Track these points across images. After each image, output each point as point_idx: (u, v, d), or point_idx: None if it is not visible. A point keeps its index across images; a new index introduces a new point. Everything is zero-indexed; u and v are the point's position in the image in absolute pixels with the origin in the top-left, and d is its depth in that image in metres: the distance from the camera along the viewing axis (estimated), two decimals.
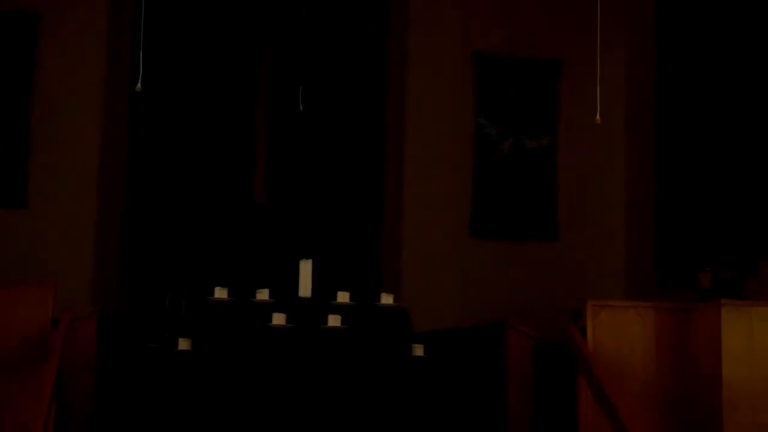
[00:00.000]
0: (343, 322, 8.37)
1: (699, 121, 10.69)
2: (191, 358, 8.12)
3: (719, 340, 7.59)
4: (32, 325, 7.38)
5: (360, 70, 12.04)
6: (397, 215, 11.73)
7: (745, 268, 9.24)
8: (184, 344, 8.20)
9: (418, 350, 8.47)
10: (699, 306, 8.04)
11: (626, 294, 11.65)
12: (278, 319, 8.30)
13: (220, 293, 8.58)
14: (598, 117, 7.94)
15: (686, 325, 7.98)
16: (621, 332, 7.93)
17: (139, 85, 7.49)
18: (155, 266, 11.39)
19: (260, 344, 8.17)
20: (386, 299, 8.84)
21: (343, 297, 8.75)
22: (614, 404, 7.16)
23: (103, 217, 11.21)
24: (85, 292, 10.85)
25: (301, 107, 9.54)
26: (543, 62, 12.03)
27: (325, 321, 8.37)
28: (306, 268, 8.78)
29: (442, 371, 8.88)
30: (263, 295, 8.64)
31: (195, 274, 11.28)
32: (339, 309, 8.55)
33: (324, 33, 11.92)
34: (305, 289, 8.73)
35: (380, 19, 12.07)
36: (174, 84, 11.66)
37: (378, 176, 11.86)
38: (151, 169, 11.59)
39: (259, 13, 11.92)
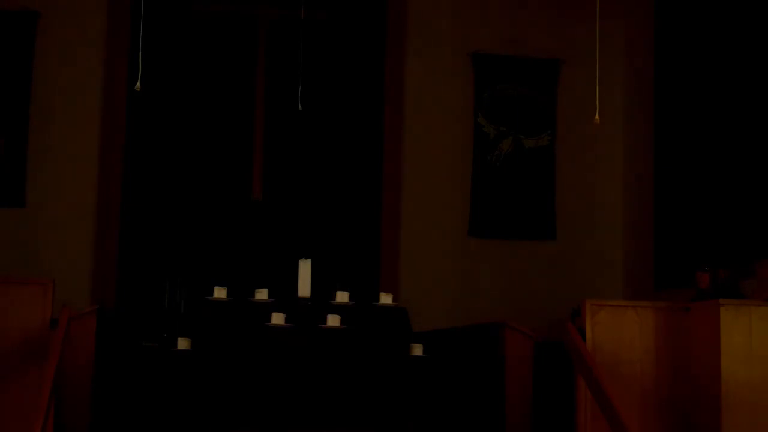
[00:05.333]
0: (342, 321, 8.37)
1: (698, 122, 10.69)
2: (190, 357, 8.11)
3: (718, 339, 7.59)
4: (31, 324, 7.37)
5: (358, 69, 12.04)
6: (396, 215, 11.73)
7: (743, 267, 9.24)
8: (183, 343, 8.19)
9: (417, 350, 8.46)
10: (698, 305, 8.04)
11: (625, 293, 11.67)
12: (277, 318, 8.29)
13: (219, 293, 8.58)
14: (597, 116, 7.93)
15: (685, 325, 7.98)
16: (620, 332, 7.93)
17: (138, 84, 7.47)
18: (154, 265, 11.38)
19: (259, 344, 8.17)
20: (385, 299, 8.83)
21: (342, 297, 8.74)
22: (612, 404, 7.17)
23: (102, 215, 11.21)
24: (83, 291, 10.85)
25: (299, 106, 9.51)
26: (542, 61, 12.04)
27: (324, 321, 8.37)
28: (305, 267, 8.78)
29: (441, 371, 8.88)
30: (262, 294, 8.64)
31: (194, 273, 11.28)
32: (338, 309, 8.55)
33: (322, 32, 11.92)
34: (304, 288, 8.72)
35: (378, 19, 12.06)
36: (173, 83, 11.65)
37: (376, 175, 11.86)
38: (150, 167, 11.58)
39: (257, 13, 11.90)
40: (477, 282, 11.63)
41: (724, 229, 10.07)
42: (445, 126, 11.87)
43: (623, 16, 12.10)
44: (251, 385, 8.05)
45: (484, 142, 11.95)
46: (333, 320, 8.37)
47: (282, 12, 11.80)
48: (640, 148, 11.74)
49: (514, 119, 12.00)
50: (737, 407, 7.52)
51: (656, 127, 11.47)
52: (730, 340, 7.60)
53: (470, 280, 11.63)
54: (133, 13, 11.11)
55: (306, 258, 8.82)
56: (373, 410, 8.19)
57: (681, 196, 10.90)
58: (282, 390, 8.09)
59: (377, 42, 12.03)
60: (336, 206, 11.80)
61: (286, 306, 8.48)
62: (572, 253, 11.89)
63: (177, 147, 11.64)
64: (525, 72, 12.04)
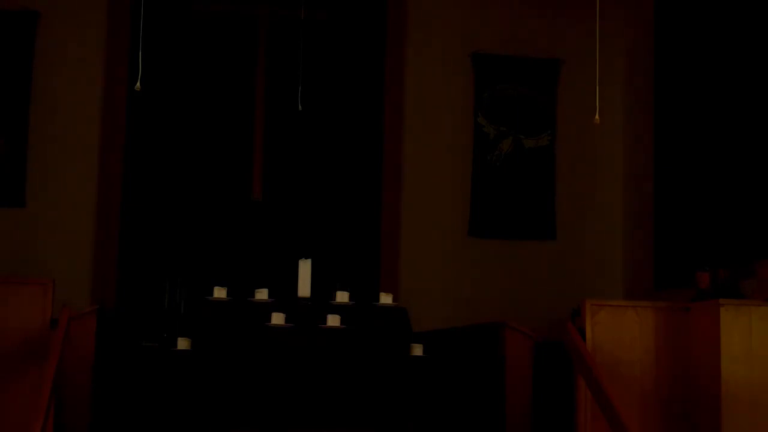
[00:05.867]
0: (342, 321, 8.37)
1: (697, 122, 10.69)
2: (190, 357, 8.11)
3: (718, 339, 7.60)
4: (31, 324, 7.38)
5: (358, 69, 12.04)
6: (396, 215, 11.73)
7: (743, 267, 9.25)
8: (182, 343, 8.19)
9: (417, 350, 8.46)
10: (698, 305, 8.04)
11: (625, 293, 11.67)
12: (277, 318, 8.29)
13: (219, 293, 8.58)
14: (597, 117, 7.93)
15: (685, 325, 7.98)
16: (620, 332, 7.94)
17: (138, 84, 7.47)
18: (154, 265, 11.38)
19: (259, 344, 8.16)
20: (385, 299, 8.83)
21: (342, 297, 8.74)
22: (612, 404, 7.17)
23: (102, 215, 11.21)
24: (83, 291, 10.85)
25: (299, 106, 9.52)
26: (542, 62, 12.04)
27: (324, 321, 8.36)
28: (305, 267, 8.77)
29: (441, 371, 8.88)
30: (262, 294, 8.63)
31: (194, 273, 11.27)
32: (338, 309, 8.55)
33: (322, 32, 11.92)
34: (304, 288, 8.72)
35: (378, 19, 12.06)
36: (173, 83, 11.65)
37: (376, 175, 11.86)
38: (150, 167, 11.58)
39: (257, 13, 11.90)
40: (477, 282, 11.63)
41: (724, 229, 10.07)
42: (445, 126, 11.87)
43: (623, 16, 12.10)
44: (251, 385, 8.05)
45: (484, 142, 11.95)
46: (333, 320, 8.37)
47: (282, 12, 11.80)
48: (640, 148, 11.74)
49: (514, 119, 12.00)
50: (737, 407, 7.52)
51: (656, 127, 11.47)
52: (730, 340, 7.60)
53: (470, 280, 11.63)
54: (133, 13, 11.11)
55: (306, 258, 8.82)
56: (373, 410, 8.19)
57: (681, 196, 10.89)
58: (282, 390, 8.09)
59: (377, 42, 12.03)
60: (336, 206, 11.80)
61: (286, 306, 8.47)
62: (572, 253, 11.89)
63: (177, 147, 11.64)
64: (525, 72, 12.04)
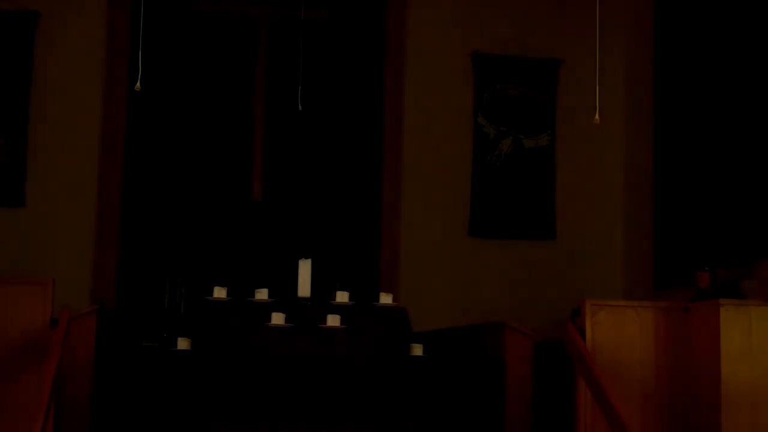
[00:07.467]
0: (342, 321, 8.37)
1: (697, 121, 10.69)
2: (190, 357, 8.12)
3: (718, 339, 7.60)
4: (31, 324, 7.39)
5: (358, 69, 12.04)
6: (396, 214, 11.73)
7: (743, 267, 9.25)
8: (182, 343, 8.19)
9: (417, 350, 8.46)
10: (698, 305, 8.05)
11: (624, 293, 11.67)
12: (277, 318, 8.29)
13: (219, 293, 8.58)
14: (597, 117, 7.92)
15: (685, 325, 7.99)
16: (620, 332, 7.95)
17: (138, 84, 7.47)
18: (154, 265, 11.38)
19: (259, 344, 8.17)
20: (385, 299, 8.83)
21: (342, 297, 8.74)
22: (612, 404, 7.17)
23: (102, 215, 11.21)
24: (83, 290, 10.85)
25: (299, 106, 9.52)
26: (542, 62, 12.04)
27: (324, 321, 8.37)
28: (305, 267, 8.77)
29: (441, 371, 8.88)
30: (262, 294, 8.64)
31: (194, 273, 11.27)
32: (338, 309, 8.55)
33: (322, 32, 11.91)
34: (304, 288, 8.72)
35: (378, 18, 12.06)
36: (173, 83, 11.65)
37: (376, 175, 11.86)
38: (150, 167, 11.58)
39: (257, 13, 11.90)
40: (477, 282, 11.63)
41: (724, 229, 10.07)
42: (445, 126, 11.87)
43: (623, 15, 12.10)
44: (251, 385, 8.05)
45: (484, 142, 11.95)
46: (333, 320, 8.37)
47: (282, 12, 11.79)
48: (640, 148, 11.74)
49: (514, 119, 12.00)
50: (737, 407, 7.53)
51: (656, 127, 11.47)
52: (730, 340, 7.61)
53: (470, 279, 11.63)
54: (133, 13, 11.11)
55: (306, 258, 8.82)
56: (373, 410, 8.19)
57: (681, 196, 10.90)
58: (282, 390, 8.09)
59: (377, 42, 12.03)
60: (336, 206, 11.80)
61: (286, 306, 8.48)
62: (572, 253, 11.89)
63: (177, 147, 11.64)
64: (525, 72, 12.04)
